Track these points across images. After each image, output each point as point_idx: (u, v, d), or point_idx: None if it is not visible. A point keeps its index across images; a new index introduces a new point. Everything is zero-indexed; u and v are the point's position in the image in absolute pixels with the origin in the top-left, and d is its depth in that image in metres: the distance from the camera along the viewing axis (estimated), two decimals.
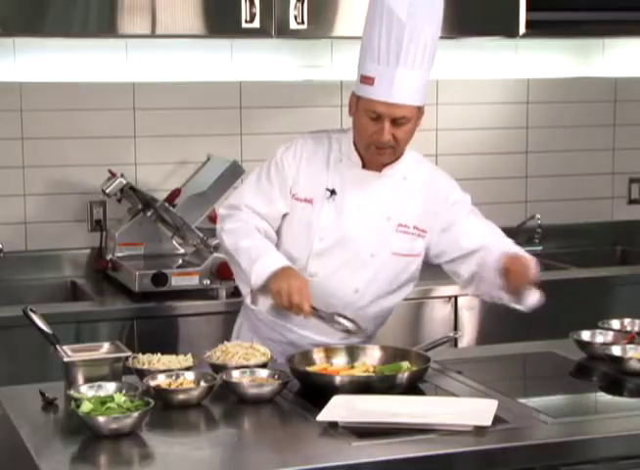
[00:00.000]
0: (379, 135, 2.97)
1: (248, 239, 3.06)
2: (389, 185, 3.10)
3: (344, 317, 2.96)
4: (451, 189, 3.19)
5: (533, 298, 3.07)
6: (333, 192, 3.08)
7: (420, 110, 3.02)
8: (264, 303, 3.05)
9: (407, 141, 3.05)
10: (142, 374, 2.73)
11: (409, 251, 3.12)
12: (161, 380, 2.68)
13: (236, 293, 3.59)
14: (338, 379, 2.70)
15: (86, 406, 2.44)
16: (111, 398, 2.49)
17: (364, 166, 3.09)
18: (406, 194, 3.11)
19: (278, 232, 3.14)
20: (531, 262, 3.01)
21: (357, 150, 3.08)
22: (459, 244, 3.13)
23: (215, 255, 3.92)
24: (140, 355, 2.83)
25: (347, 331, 2.95)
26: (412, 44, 2.93)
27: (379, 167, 3.09)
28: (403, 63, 2.94)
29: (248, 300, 3.08)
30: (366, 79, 2.98)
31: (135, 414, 2.40)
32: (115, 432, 2.39)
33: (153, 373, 2.71)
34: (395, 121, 2.96)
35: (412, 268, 3.15)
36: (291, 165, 3.11)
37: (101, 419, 2.39)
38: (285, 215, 3.12)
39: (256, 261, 2.98)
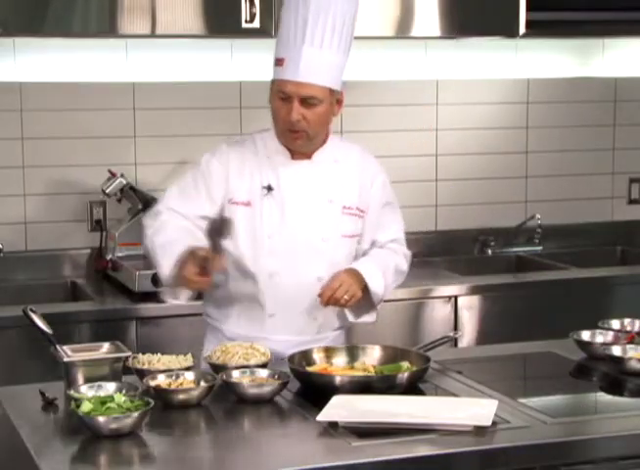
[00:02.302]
0: (289, 116, 2.99)
1: (162, 235, 3.03)
2: (322, 169, 3.13)
3: None
4: (380, 172, 3.25)
5: (367, 317, 3.19)
6: (269, 188, 3.09)
7: (334, 94, 3.04)
8: (184, 294, 3.07)
9: (320, 124, 3.05)
10: (142, 374, 2.73)
11: (354, 231, 3.17)
12: (161, 380, 2.68)
13: None
14: (338, 379, 2.70)
15: (86, 406, 2.44)
16: (111, 398, 2.49)
17: (293, 157, 3.12)
18: (341, 176, 3.15)
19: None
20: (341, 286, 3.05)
21: (281, 143, 3.11)
22: (375, 233, 3.22)
23: None
24: (140, 355, 2.83)
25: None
26: (319, 23, 2.97)
27: (308, 155, 3.12)
28: (310, 42, 2.97)
29: (166, 295, 3.08)
30: (277, 61, 3.02)
31: (135, 414, 2.40)
32: (116, 432, 2.39)
33: (153, 373, 2.71)
34: (305, 101, 2.99)
35: (354, 248, 3.19)
36: (218, 172, 3.10)
37: (101, 419, 2.38)
38: None
39: (164, 254, 2.97)
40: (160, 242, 3.03)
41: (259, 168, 3.10)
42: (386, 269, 3.16)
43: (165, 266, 2.96)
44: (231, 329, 3.13)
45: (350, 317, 3.16)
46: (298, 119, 2.99)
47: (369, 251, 3.21)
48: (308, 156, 3.12)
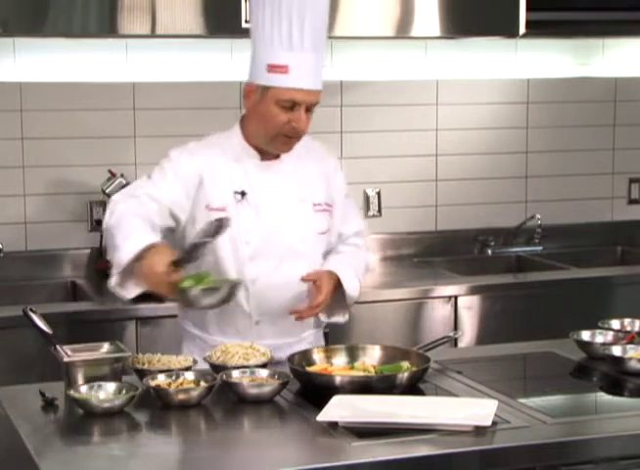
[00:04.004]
0: (296, 123, 2.96)
1: (131, 219, 2.90)
2: (291, 168, 3.10)
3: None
4: (338, 165, 3.24)
5: (339, 317, 3.18)
6: (243, 194, 3.05)
7: None
8: (133, 289, 2.88)
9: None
10: (142, 374, 2.73)
11: (326, 228, 3.16)
12: (161, 380, 2.68)
13: None
14: (338, 379, 2.70)
15: (188, 282, 2.66)
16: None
17: (262, 159, 3.08)
18: (307, 173, 3.13)
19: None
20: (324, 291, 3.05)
21: (250, 144, 3.07)
22: (341, 226, 3.22)
23: None
24: (140, 355, 2.83)
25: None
26: (311, 26, 2.93)
27: (276, 155, 3.09)
28: (310, 47, 2.94)
29: (112, 282, 2.87)
30: (278, 68, 2.95)
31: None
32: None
33: (153, 373, 2.72)
34: (308, 108, 2.98)
35: (326, 243, 3.18)
36: (189, 170, 3.03)
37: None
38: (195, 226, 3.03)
39: (128, 237, 2.84)
40: (127, 224, 2.89)
41: (229, 173, 3.05)
42: (358, 270, 3.18)
43: (127, 251, 2.81)
44: (214, 338, 3.08)
45: (323, 317, 3.16)
46: (306, 126, 2.98)
47: (338, 246, 3.21)
48: (277, 155, 3.09)
